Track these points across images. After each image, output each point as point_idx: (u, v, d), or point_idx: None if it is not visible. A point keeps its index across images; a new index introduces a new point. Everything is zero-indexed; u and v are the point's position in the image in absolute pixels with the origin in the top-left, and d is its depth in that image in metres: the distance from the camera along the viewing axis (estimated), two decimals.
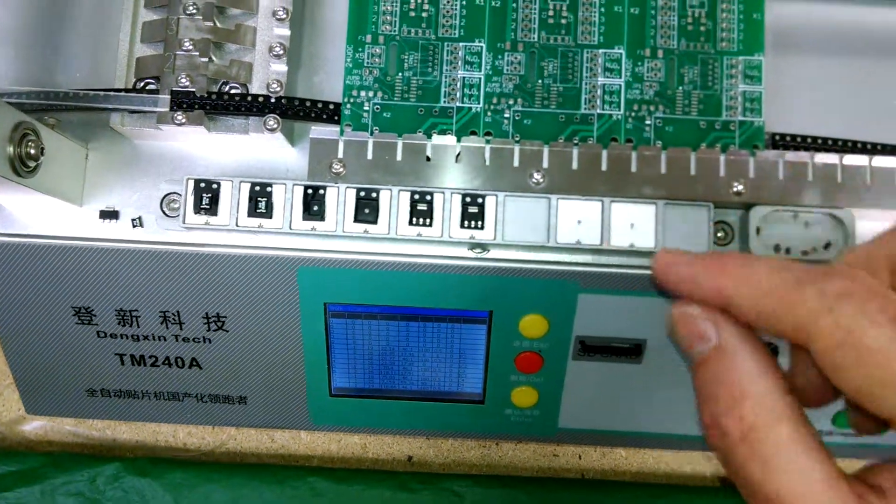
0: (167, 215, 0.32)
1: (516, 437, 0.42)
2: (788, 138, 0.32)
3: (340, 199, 0.31)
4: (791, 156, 0.31)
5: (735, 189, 0.31)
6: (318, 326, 0.36)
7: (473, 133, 0.31)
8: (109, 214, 0.33)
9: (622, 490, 0.42)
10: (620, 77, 0.32)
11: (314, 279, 0.34)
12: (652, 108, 0.31)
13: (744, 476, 0.19)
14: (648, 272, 0.32)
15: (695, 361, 0.21)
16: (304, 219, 0.31)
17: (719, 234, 0.32)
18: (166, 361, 0.38)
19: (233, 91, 0.32)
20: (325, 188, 0.31)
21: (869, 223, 0.31)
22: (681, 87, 0.32)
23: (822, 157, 0.31)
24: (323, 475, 0.42)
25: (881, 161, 0.31)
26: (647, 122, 0.31)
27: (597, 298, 0.34)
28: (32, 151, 0.28)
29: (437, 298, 0.35)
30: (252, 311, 0.35)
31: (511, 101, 0.31)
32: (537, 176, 0.31)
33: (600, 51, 0.32)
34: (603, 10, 0.32)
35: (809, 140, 0.32)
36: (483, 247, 0.32)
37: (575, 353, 0.36)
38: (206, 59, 0.31)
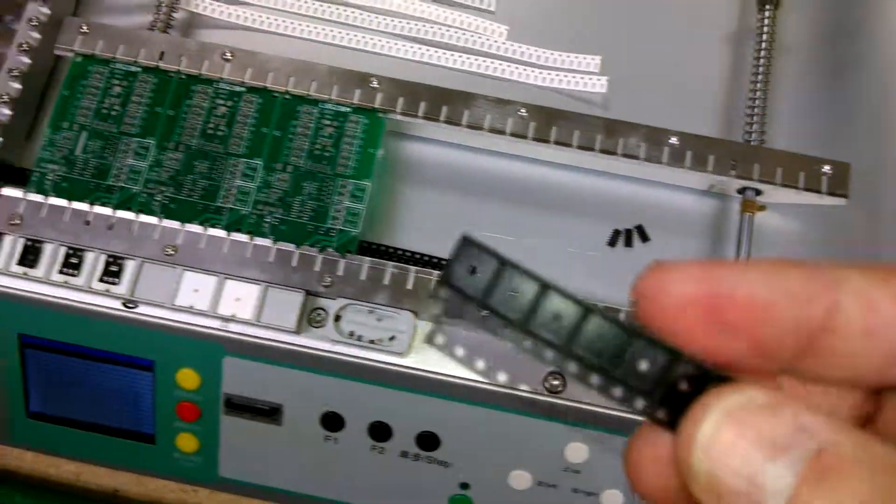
0: None
1: (185, 480, 0.47)
2: (381, 248, 0.39)
3: (13, 246, 0.39)
4: (373, 262, 0.38)
5: (325, 282, 0.38)
6: (12, 354, 0.43)
7: (129, 209, 0.39)
8: None
9: None
10: (254, 182, 0.40)
11: (6, 311, 0.41)
12: (273, 209, 0.39)
13: None
14: (279, 345, 0.39)
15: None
16: None
17: (317, 319, 0.39)
18: None
19: None
20: (2, 235, 0.39)
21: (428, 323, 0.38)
22: (299, 197, 0.39)
23: (398, 267, 0.38)
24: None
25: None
26: (267, 219, 0.39)
27: (240, 362, 0.41)
28: None
29: (108, 342, 0.42)
30: None
31: (163, 188, 0.39)
32: (169, 249, 0.39)
33: (242, 160, 0.40)
34: (252, 129, 0.40)
35: (393, 250, 0.39)
36: (133, 303, 0.39)
37: (225, 408, 0.43)
38: None
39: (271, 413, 0.43)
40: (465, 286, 0.16)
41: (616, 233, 0.41)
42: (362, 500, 0.45)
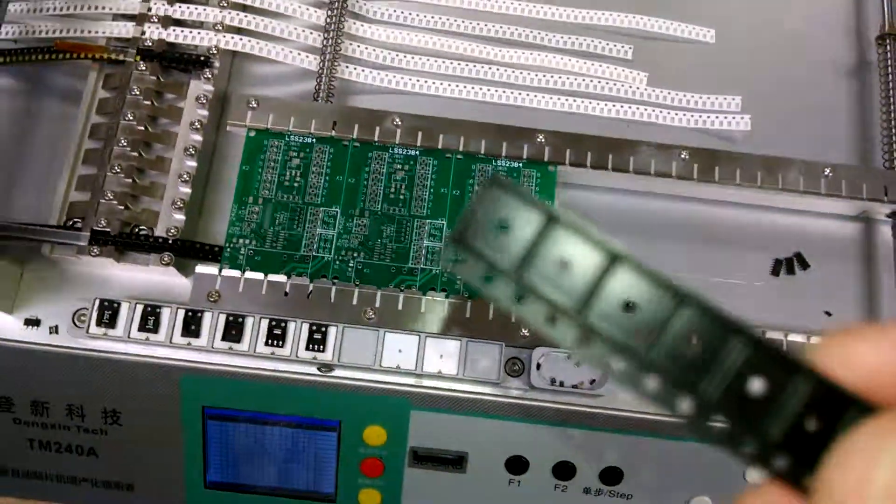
0: (77, 326, 0.40)
1: None
2: None
3: (213, 322, 0.39)
4: None
5: (523, 333, 0.40)
6: (196, 426, 0.43)
7: (324, 277, 0.40)
8: (32, 322, 0.41)
9: None
10: (441, 241, 0.41)
11: (194, 386, 0.42)
12: None
13: None
14: (464, 395, 0.41)
15: None
16: (183, 335, 0.39)
17: (514, 368, 0.40)
18: (68, 448, 0.45)
19: (141, 233, 0.41)
20: (202, 312, 0.39)
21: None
22: None
23: None
24: None
25: None
26: (458, 277, 0.41)
27: (427, 415, 0.42)
28: None
29: (294, 407, 0.42)
30: (142, 410, 0.43)
31: (355, 254, 0.41)
32: (370, 313, 0.40)
33: (427, 221, 0.41)
34: (432, 190, 0.42)
35: None
36: (329, 367, 0.40)
37: (410, 461, 0.44)
38: (122, 207, 0.41)
39: (457, 462, 0.44)
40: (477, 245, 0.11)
41: (777, 262, 0.44)
42: None
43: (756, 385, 0.11)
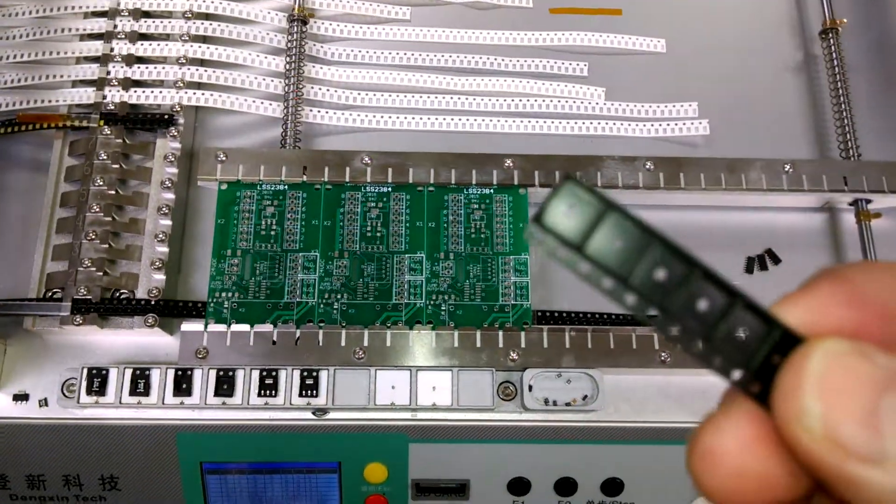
0: (66, 396, 0.40)
1: None
2: (553, 314, 0.42)
3: (204, 378, 0.39)
4: (552, 328, 0.41)
5: (511, 357, 0.40)
6: (195, 482, 0.43)
7: (310, 321, 0.41)
8: (21, 397, 0.41)
9: None
10: (422, 274, 0.42)
11: (191, 442, 0.41)
12: (446, 297, 0.41)
13: None
14: (460, 423, 0.41)
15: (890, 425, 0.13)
16: (175, 395, 0.39)
17: (507, 391, 0.41)
18: None
19: (122, 297, 0.41)
20: (192, 370, 0.40)
21: (614, 377, 0.40)
22: (467, 281, 0.42)
23: (575, 329, 0.41)
24: None
25: (619, 330, 0.41)
26: (443, 308, 0.41)
27: (425, 447, 0.43)
28: None
29: (292, 453, 0.43)
30: (140, 472, 0.42)
31: (339, 296, 0.41)
32: (360, 353, 0.40)
33: (406, 255, 0.42)
34: (408, 225, 0.42)
35: (566, 315, 0.42)
36: (323, 410, 0.41)
37: (413, 494, 0.44)
38: (101, 273, 0.41)
39: (459, 490, 0.44)
40: (564, 229, 0.14)
41: (750, 260, 0.45)
42: None
43: (740, 332, 0.14)
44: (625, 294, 0.14)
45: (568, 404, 0.40)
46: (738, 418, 0.14)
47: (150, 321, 0.40)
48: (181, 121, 0.44)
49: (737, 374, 0.14)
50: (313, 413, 0.41)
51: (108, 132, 0.43)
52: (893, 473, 0.12)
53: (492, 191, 0.43)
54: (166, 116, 0.44)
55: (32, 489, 0.43)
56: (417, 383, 0.40)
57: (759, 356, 0.14)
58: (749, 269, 0.45)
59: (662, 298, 0.14)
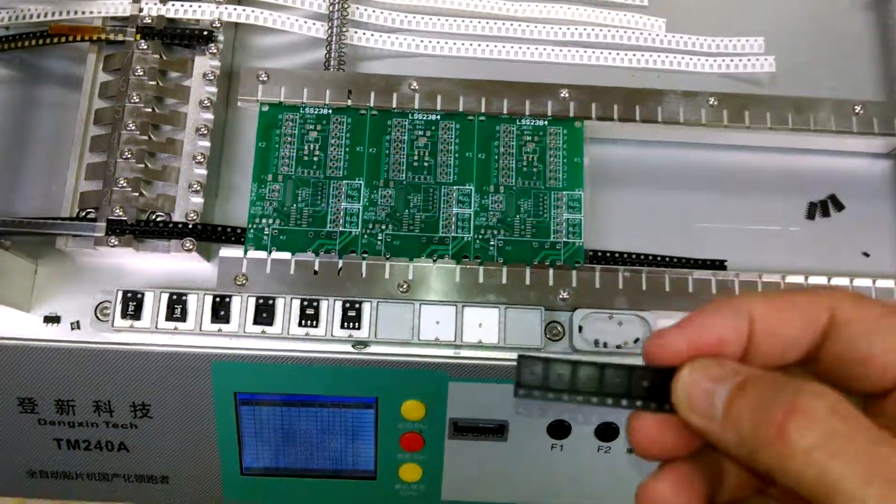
0: (100, 320, 0.39)
1: None
2: (605, 254, 0.40)
3: (243, 306, 0.38)
4: (604, 268, 0.39)
5: (561, 296, 0.39)
6: (229, 413, 0.42)
7: (353, 252, 0.39)
8: (52, 319, 0.39)
9: None
10: (470, 208, 0.40)
11: (225, 372, 0.40)
12: (495, 232, 0.39)
13: (843, 454, 0.18)
14: (502, 363, 0.40)
15: (721, 407, 0.21)
16: (213, 322, 0.38)
17: (554, 332, 0.39)
18: (98, 446, 0.43)
19: (158, 219, 0.39)
20: (230, 297, 0.38)
21: (666, 321, 0.39)
22: (518, 216, 0.40)
23: (630, 270, 0.39)
24: None
25: (676, 273, 0.39)
26: (492, 243, 0.39)
27: (465, 386, 0.41)
28: None
29: (329, 387, 0.41)
30: (173, 400, 0.41)
31: (383, 227, 0.39)
32: (404, 286, 0.38)
33: (454, 187, 0.40)
34: (457, 155, 0.40)
35: (619, 255, 0.40)
36: (364, 343, 0.39)
37: (450, 433, 0.43)
38: (136, 194, 0.39)
39: (497, 431, 0.43)
40: (531, 382, 0.23)
41: (812, 205, 0.43)
42: (588, 502, 0.46)
43: (644, 383, 0.23)
44: (590, 399, 0.23)
45: (619, 347, 0.39)
46: (649, 421, 0.23)
47: (188, 245, 0.38)
48: (221, 38, 0.42)
49: (651, 405, 0.23)
50: (353, 346, 0.39)
51: (145, 47, 0.41)
52: (722, 424, 0.21)
53: (546, 122, 0.41)
54: (205, 33, 0.41)
55: (61, 414, 0.42)
56: (463, 319, 0.38)
57: (659, 389, 0.23)
58: (811, 215, 0.43)
59: (605, 391, 0.23)
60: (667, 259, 0.40)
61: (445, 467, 0.44)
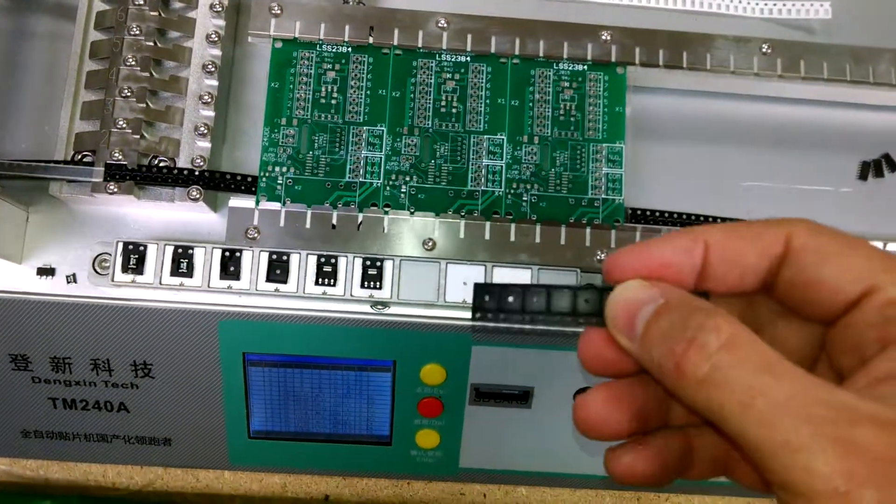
0: (98, 273, 0.36)
1: (423, 477, 0.45)
2: (647, 213, 0.37)
3: (254, 262, 0.35)
4: (646, 229, 0.36)
5: (599, 257, 0.36)
6: (237, 374, 0.39)
7: (374, 205, 0.36)
8: (46, 271, 0.36)
9: None
10: (502, 159, 0.37)
11: (234, 331, 0.38)
12: (528, 186, 0.36)
13: (732, 379, 0.20)
14: (530, 327, 0.37)
15: (641, 324, 0.22)
16: (222, 278, 0.35)
17: None
18: (96, 405, 0.41)
19: (161, 164, 0.36)
20: (240, 251, 0.35)
21: None
22: (553, 169, 0.37)
23: (672, 230, 0.36)
24: None
25: None
26: (524, 198, 0.36)
27: (488, 350, 0.39)
28: None
29: (345, 348, 0.39)
30: (176, 360, 0.39)
31: (407, 178, 0.36)
32: (429, 243, 0.35)
33: (485, 136, 0.37)
34: (488, 101, 0.37)
35: (661, 214, 0.37)
36: (384, 304, 0.36)
37: (471, 398, 0.41)
38: (137, 136, 0.35)
39: (521, 397, 0.41)
40: (488, 306, 0.25)
41: (865, 165, 0.40)
42: None
43: (584, 303, 0.24)
44: (539, 318, 0.25)
45: None
46: (595, 338, 0.24)
47: (194, 193, 0.35)
48: None
49: (592, 320, 0.24)
50: (371, 306, 0.36)
51: None
52: (640, 345, 0.22)
53: (585, 67, 0.38)
54: None
55: (57, 372, 0.39)
56: (493, 281, 0.36)
57: (597, 306, 0.24)
58: (863, 175, 0.40)
59: (554, 311, 0.24)
60: (710, 219, 0.37)
61: (464, 434, 0.42)
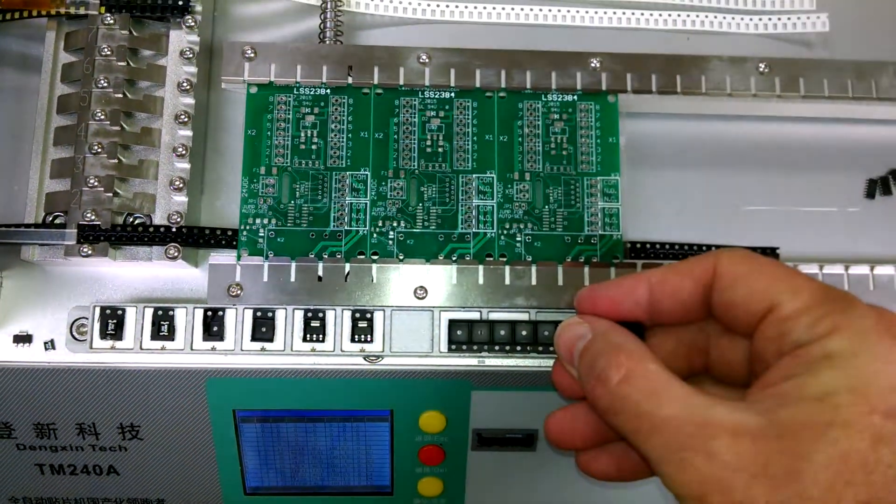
0: (76, 339, 0.34)
1: None
2: (647, 246, 0.35)
3: (238, 320, 0.33)
4: (646, 265, 0.34)
5: None
6: (228, 431, 0.38)
7: (361, 254, 0.34)
8: (23, 339, 0.35)
9: None
10: (493, 199, 0.35)
11: (222, 388, 0.36)
12: (521, 226, 0.35)
13: (627, 408, 0.25)
14: (531, 369, 0.36)
15: (577, 357, 0.28)
16: (205, 339, 0.33)
17: None
18: (84, 470, 0.39)
19: (137, 221, 0.34)
20: (223, 310, 0.33)
21: None
22: (547, 206, 0.35)
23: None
24: None
25: None
26: (518, 238, 0.35)
27: (488, 395, 0.37)
28: None
29: (339, 400, 0.37)
30: (164, 420, 0.37)
31: (395, 224, 0.35)
32: (420, 291, 0.34)
33: (474, 175, 0.35)
34: (475, 138, 0.35)
35: (662, 246, 0.35)
36: (378, 356, 0.35)
37: (473, 444, 0.39)
38: (110, 194, 0.34)
39: (526, 441, 0.39)
40: (459, 339, 0.32)
41: (871, 182, 0.38)
42: None
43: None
44: (505, 349, 0.33)
45: None
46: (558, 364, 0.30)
47: (172, 252, 0.33)
48: (198, 8, 0.36)
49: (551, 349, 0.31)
50: (365, 358, 0.35)
51: (111, 21, 0.35)
52: (578, 374, 0.27)
53: (575, 97, 0.36)
54: (180, 2, 0.36)
55: (41, 438, 0.38)
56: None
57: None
58: (870, 194, 0.38)
59: (517, 342, 0.33)
60: (713, 247, 0.35)
61: (468, 481, 0.41)
